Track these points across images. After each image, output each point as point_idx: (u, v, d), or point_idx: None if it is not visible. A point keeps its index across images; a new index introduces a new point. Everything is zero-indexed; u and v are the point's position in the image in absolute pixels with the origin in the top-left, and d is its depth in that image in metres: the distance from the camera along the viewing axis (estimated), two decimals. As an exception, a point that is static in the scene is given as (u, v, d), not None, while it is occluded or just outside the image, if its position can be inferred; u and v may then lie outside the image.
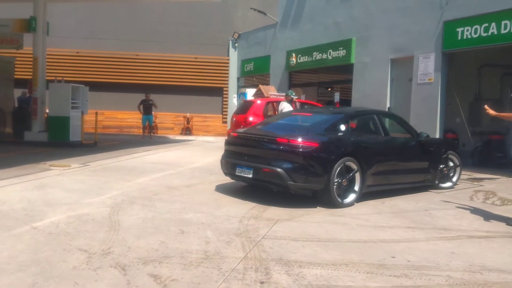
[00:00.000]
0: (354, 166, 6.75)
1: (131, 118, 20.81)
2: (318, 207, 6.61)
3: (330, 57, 15.37)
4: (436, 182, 8.36)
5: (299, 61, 16.88)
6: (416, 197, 7.74)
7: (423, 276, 4.06)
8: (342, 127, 7.15)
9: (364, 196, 7.05)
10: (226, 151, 7.51)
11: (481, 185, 9.10)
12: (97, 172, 9.08)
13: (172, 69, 21.30)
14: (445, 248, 4.92)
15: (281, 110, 11.39)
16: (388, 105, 13.30)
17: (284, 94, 12.33)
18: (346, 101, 15.29)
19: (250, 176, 6.75)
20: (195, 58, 21.41)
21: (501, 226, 5.95)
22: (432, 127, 11.73)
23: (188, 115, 21.24)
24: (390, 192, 7.65)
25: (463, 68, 12.86)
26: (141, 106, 18.62)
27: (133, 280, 3.74)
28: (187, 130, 21.21)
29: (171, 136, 20.19)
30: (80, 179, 8.17)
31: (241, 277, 3.87)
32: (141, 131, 19.12)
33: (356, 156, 6.78)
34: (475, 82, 13.47)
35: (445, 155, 8.51)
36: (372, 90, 13.63)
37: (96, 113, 15.38)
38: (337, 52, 15.03)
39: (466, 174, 10.50)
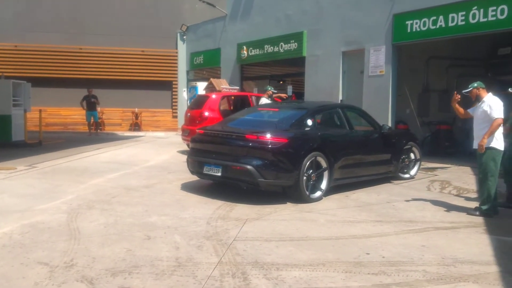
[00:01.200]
0: (322, 160, 6.76)
1: (76, 115, 19.88)
2: (287, 203, 6.52)
3: (281, 50, 15.29)
4: (401, 172, 8.55)
5: (250, 54, 16.71)
6: (377, 189, 7.83)
7: (400, 272, 4.04)
8: (309, 122, 7.12)
9: (328, 190, 7.02)
10: (193, 149, 7.31)
11: (436, 175, 9.36)
12: (47, 174, 8.53)
13: (118, 63, 20.52)
14: (415, 241, 4.95)
15: None
16: (340, 97, 13.40)
17: (265, 89, 12.12)
18: (299, 94, 15.29)
19: (219, 174, 6.59)
20: (142, 51, 20.74)
21: (462, 216, 6.09)
22: (384, 119, 11.90)
23: (136, 110, 20.57)
24: (351, 185, 7.68)
25: (412, 60, 13.16)
26: (84, 102, 17.89)
27: (104, 295, 3.46)
28: (136, 126, 20.57)
29: (120, 133, 19.50)
30: (30, 183, 7.64)
31: (218, 285, 3.68)
32: (87, 128, 18.35)
33: (324, 151, 6.79)
34: (423, 74, 13.84)
35: (407, 147, 8.66)
36: (325, 83, 13.69)
37: (40, 111, 14.53)
38: (289, 45, 14.98)
39: (418, 164, 10.79)
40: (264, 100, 11.35)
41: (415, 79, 13.60)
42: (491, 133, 5.95)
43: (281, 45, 15.26)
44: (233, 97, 13.44)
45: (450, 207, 6.57)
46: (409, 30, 11.49)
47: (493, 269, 4.20)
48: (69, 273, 3.84)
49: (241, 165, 6.32)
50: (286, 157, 6.37)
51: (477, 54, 12.96)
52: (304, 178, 6.48)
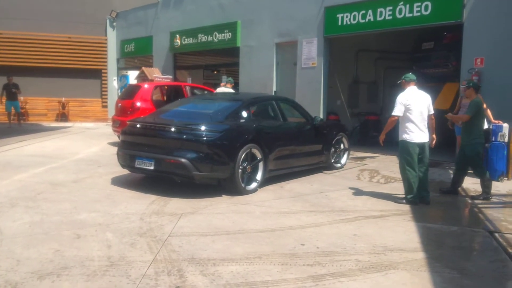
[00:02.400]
0: (257, 152, 6.80)
1: (-4, 104, 18.61)
2: (222, 195, 6.49)
3: (216, 40, 15.14)
4: (332, 162, 8.79)
5: (183, 42, 16.39)
6: (310, 179, 7.98)
7: (334, 262, 4.14)
8: (244, 114, 7.14)
9: (263, 181, 7.06)
10: (123, 142, 7.05)
11: (365, 164, 9.70)
12: (-37, 170, 7.92)
13: (43, 49, 19.37)
14: (348, 230, 5.09)
15: None
16: (274, 88, 13.52)
17: (225, 82, 11.88)
18: (234, 83, 15.23)
19: (152, 168, 6.43)
20: (69, 37, 19.73)
21: (391, 204, 6.35)
22: (316, 110, 12.16)
23: (63, 99, 19.58)
24: (285, 176, 7.77)
25: (343, 52, 13.49)
26: (4, 92, 16.74)
27: (30, 300, 3.25)
28: (63, 116, 19.59)
29: (45, 124, 18.50)
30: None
31: (153, 284, 3.58)
32: (7, 118, 17.15)
33: (259, 142, 6.83)
34: (353, 66, 14.26)
35: (337, 138, 8.90)
36: (259, 74, 13.73)
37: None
38: (223, 34, 14.86)
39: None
40: (223, 89, 11.33)
41: (346, 71, 13.99)
42: (386, 129, 6.62)
43: (215, 35, 15.10)
44: (166, 87, 13.16)
45: (379, 196, 6.82)
46: (340, 23, 11.75)
47: (420, 255, 4.41)
48: (-10, 278, 3.57)
49: (175, 158, 6.22)
50: (221, 149, 6.35)
51: (404, 48, 13.53)
52: (240, 170, 6.49)
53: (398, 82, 6.74)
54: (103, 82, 20.53)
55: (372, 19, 11.15)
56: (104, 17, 20.03)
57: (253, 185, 6.79)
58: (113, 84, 20.00)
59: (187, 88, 12.50)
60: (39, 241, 4.43)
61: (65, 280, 3.58)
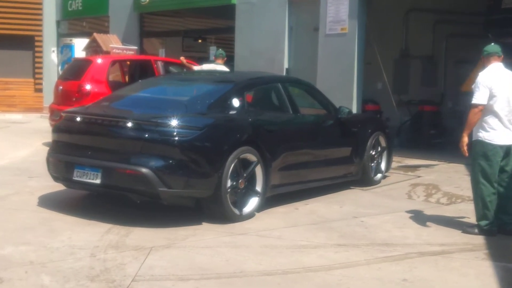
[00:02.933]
0: (254, 159, 6.69)
1: None
2: (204, 223, 6.46)
3: (201, -6, 15.20)
4: (371, 175, 8.77)
5: (154, -2, 16.45)
6: (338, 197, 8.01)
7: (375, 320, 4.13)
8: (235, 102, 7.06)
9: (269, 200, 7.04)
10: (56, 142, 7.00)
11: (418, 176, 9.72)
12: None
13: None
14: (394, 273, 5.09)
15: None
16: (286, 65, 13.54)
17: (214, 56, 11.89)
18: (227, 57, 15.28)
19: (98, 181, 6.28)
20: (-13, -10, 19.86)
21: (456, 235, 6.34)
22: (347, 96, 12.16)
23: (-24, 80, 19.74)
24: (301, 192, 7.77)
25: (386, 13, 13.49)
26: None
27: None
28: (-22, 104, 19.74)
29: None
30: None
31: None
32: None
33: (257, 145, 6.75)
34: (402, 34, 14.26)
35: (374, 138, 8.83)
36: (263, 44, 13.74)
37: None
38: (212, -14, 14.92)
39: (395, 160, 11.11)
40: (214, 67, 11.39)
41: (391, 40, 13.99)
42: (468, 126, 6.31)
43: (200, -14, 15.15)
44: (128, 63, 13.20)
45: (439, 222, 6.81)
46: (382, -31, 11.79)
47: (500, 310, 4.40)
48: None
49: (133, 167, 6.07)
50: (201, 154, 6.27)
51: (474, 7, 13.52)
52: (229, 185, 6.36)
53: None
54: (37, 55, 20.65)
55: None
56: (38, -40, 20.14)
57: (250, 206, 6.70)
58: (52, 57, 20.09)
59: (159, 63, 12.54)
60: None
61: None
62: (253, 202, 6.73)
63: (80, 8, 19.46)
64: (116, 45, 14.70)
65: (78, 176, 6.43)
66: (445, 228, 6.61)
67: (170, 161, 6.11)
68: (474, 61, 12.49)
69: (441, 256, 5.62)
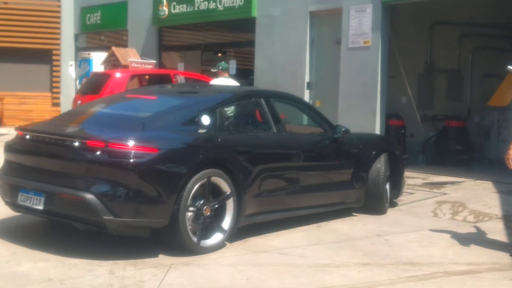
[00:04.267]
0: (223, 183, 6.14)
1: None
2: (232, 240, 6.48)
3: (220, 7, 15.29)
4: (385, 204, 8.12)
5: (173, 11, 16.57)
6: (361, 215, 7.96)
7: None
8: (205, 120, 6.50)
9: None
10: (6, 162, 6.49)
11: (444, 193, 9.66)
12: None
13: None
14: (420, 293, 5.07)
15: None
16: (307, 78, 13.57)
17: (220, 70, 11.86)
18: (247, 71, 15.34)
19: (41, 207, 5.82)
20: (5, 3, 20.21)
21: (484, 254, 6.29)
22: (370, 111, 12.17)
23: (-5, 94, 20.00)
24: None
25: (410, 26, 13.49)
26: None
27: None
28: (-5, 119, 20.00)
29: (-32, 129, 18.83)
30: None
31: None
32: None
33: (227, 167, 6.19)
34: (426, 47, 14.23)
35: (379, 160, 8.05)
36: (284, 57, 13.80)
37: None
38: (232, 0, 14.99)
39: (420, 177, 11.11)
40: (222, 81, 11.22)
41: (415, 53, 13.97)
42: None
43: (220, 0, 15.25)
44: (147, 77, 13.31)
45: (466, 241, 6.75)
46: (407, -17, 11.82)
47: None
48: None
49: (75, 192, 5.60)
50: (154, 179, 5.70)
51: (502, 18, 13.45)
52: (189, 213, 5.86)
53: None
54: (54, 69, 20.86)
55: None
56: (57, -27, 20.42)
57: (216, 238, 6.10)
58: (69, 71, 20.27)
59: (179, 78, 12.62)
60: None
61: None
62: (216, 237, 6.11)
63: (98, 21, 19.66)
64: (135, 59, 14.83)
65: (22, 200, 6.01)
66: (472, 247, 6.55)
67: (118, 186, 5.59)
68: (501, 75, 12.51)
69: (468, 276, 5.58)
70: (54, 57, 20.84)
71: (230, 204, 6.20)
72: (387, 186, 8.18)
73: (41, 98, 20.84)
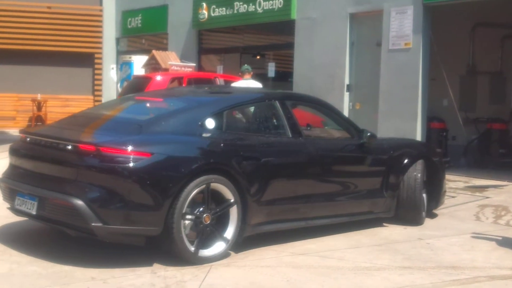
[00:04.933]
0: (226, 190, 5.81)
1: None
2: (263, 243, 6.47)
3: (260, 10, 15.34)
4: (422, 214, 7.56)
5: (213, 14, 16.68)
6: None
7: None
8: (209, 123, 6.12)
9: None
10: (10, 166, 6.44)
11: (487, 197, 9.53)
12: None
13: (11, 24, 20.19)
14: (462, 298, 5.01)
15: None
16: (347, 81, 13.55)
17: (241, 72, 11.99)
18: (286, 74, 15.34)
19: (34, 212, 5.70)
20: (49, 8, 20.52)
21: (528, 259, 6.20)
22: (411, 113, 12.09)
23: (39, 97, 20.28)
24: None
25: (452, 28, 13.35)
26: None
27: None
28: (39, 121, 20.27)
29: (12, 131, 19.14)
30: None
31: None
32: None
33: (230, 174, 5.86)
34: (468, 49, 14.07)
35: (414, 168, 7.52)
36: (323, 59, 13.78)
37: None
38: (271, 2, 15.04)
39: (461, 180, 10.98)
40: (243, 83, 11.34)
41: (456, 55, 13.83)
42: None
43: (259, 3, 15.30)
44: (188, 80, 13.40)
45: (509, 245, 6.65)
46: (448, -17, 11.70)
47: None
48: None
49: (65, 197, 5.42)
50: (146, 185, 5.42)
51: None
52: (186, 221, 5.59)
53: None
54: (96, 72, 21.14)
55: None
56: (99, -22, 20.71)
57: (217, 247, 5.79)
58: (111, 74, 20.54)
59: (219, 81, 12.69)
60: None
61: None
62: (218, 247, 5.81)
63: (139, 25, 19.89)
64: (175, 62, 14.94)
65: (18, 204, 5.91)
66: (517, 250, 6.49)
67: (108, 192, 5.40)
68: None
69: (512, 281, 5.52)
70: (96, 61, 21.14)
71: (233, 212, 5.86)
72: (424, 195, 7.66)
73: (83, 101, 21.10)
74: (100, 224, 5.25)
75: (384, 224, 7.57)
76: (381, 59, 12.74)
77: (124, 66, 17.91)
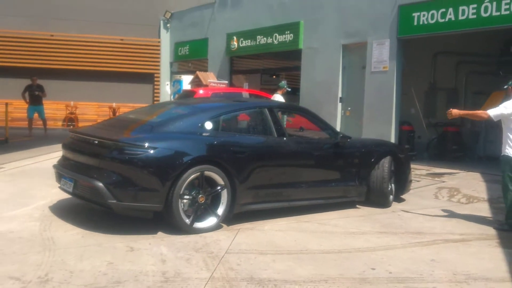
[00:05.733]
0: (217, 177, 5.62)
1: (46, 109, 19.71)
2: (272, 215, 6.46)
3: (276, 42, 15.31)
4: (388, 199, 7.19)
5: (241, 45, 16.69)
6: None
7: (409, 290, 4.07)
8: (208, 125, 5.94)
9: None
10: (62, 156, 6.42)
11: (443, 181, 9.44)
12: (16, 176, 8.45)
13: (95, 52, 20.35)
14: (424, 255, 4.99)
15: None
16: (340, 94, 13.47)
17: (279, 86, 11.88)
18: (295, 89, 15.33)
19: (71, 190, 5.75)
20: (121, 40, 20.63)
21: (473, 227, 6.16)
22: (387, 119, 12.01)
23: (114, 105, 20.45)
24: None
25: (418, 55, 13.25)
26: (26, 94, 15.74)
27: (84, 314, 3.43)
28: (113, 122, 20.47)
29: (95, 130, 19.35)
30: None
31: (211, 303, 3.67)
32: (28, 124, 16.18)
33: (220, 164, 5.65)
34: (430, 71, 13.97)
35: (382, 162, 7.13)
36: (323, 78, 13.74)
37: (6, 104, 14.38)
38: (284, 36, 15.00)
39: (424, 169, 10.91)
40: (278, 98, 11.02)
41: (422, 76, 13.74)
42: (468, 115, 6.69)
43: (275, 36, 15.27)
44: (222, 93, 13.41)
45: (459, 217, 6.63)
46: (415, 23, 11.58)
47: (509, 286, 4.25)
48: (44, 289, 3.80)
49: (89, 180, 5.41)
50: (150, 172, 5.31)
51: (489, 50, 13.10)
52: (185, 200, 5.45)
53: (505, 87, 6.45)
54: (156, 87, 21.24)
55: (453, 18, 10.90)
56: (158, 17, 20.76)
57: (210, 221, 5.60)
58: (166, 89, 20.64)
59: (246, 95, 12.70)
60: (92, 253, 4.66)
61: (119, 295, 3.75)
62: (211, 221, 5.62)
63: (187, 53, 19.95)
64: (213, 80, 14.93)
65: (62, 184, 5.95)
66: (465, 221, 6.44)
67: (119, 176, 5.30)
68: (488, 92, 12.19)
69: (462, 243, 5.49)
70: (155, 79, 21.22)
71: (224, 194, 5.67)
72: (392, 185, 7.33)
73: (145, 108, 21.23)
74: (115, 201, 5.23)
75: (357, 206, 7.14)
76: (365, 78, 12.65)
77: (175, 83, 17.95)
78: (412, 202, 7.53)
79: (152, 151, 5.34)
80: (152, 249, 4.83)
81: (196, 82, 14.71)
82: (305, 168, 6.59)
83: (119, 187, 5.26)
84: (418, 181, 9.26)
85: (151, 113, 6.81)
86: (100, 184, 5.24)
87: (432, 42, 12.97)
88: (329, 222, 6.20)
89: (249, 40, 16.32)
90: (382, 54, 12.27)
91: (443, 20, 11.07)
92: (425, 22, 11.39)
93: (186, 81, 16.35)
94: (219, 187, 5.64)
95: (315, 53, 14.04)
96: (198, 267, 4.39)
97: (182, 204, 5.41)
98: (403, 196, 7.70)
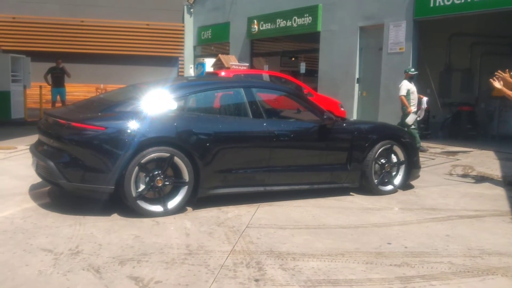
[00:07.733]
0: (178, 161, 5.07)
1: (78, 92, 19.83)
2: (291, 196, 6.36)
3: (295, 25, 15.08)
4: (372, 182, 6.23)
5: (261, 28, 16.50)
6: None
7: (424, 264, 3.98)
8: (172, 105, 5.34)
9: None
10: (37, 138, 5.94)
11: (457, 159, 9.25)
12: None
13: (122, 37, 20.32)
14: (439, 230, 4.88)
15: (407, 91, 9.88)
16: (357, 75, 13.26)
17: (405, 70, 10.38)
18: (313, 71, 15.11)
19: (35, 170, 5.53)
20: (147, 25, 20.54)
21: (487, 204, 6.00)
22: (403, 99, 11.77)
23: (141, 87, 20.52)
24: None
25: (434, 37, 12.90)
26: (49, 76, 15.02)
27: (112, 284, 3.43)
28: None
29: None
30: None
31: (232, 275, 3.64)
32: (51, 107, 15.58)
33: (181, 146, 5.10)
34: (446, 52, 13.61)
35: (381, 147, 6.26)
36: (340, 60, 13.52)
37: (41, 87, 14.49)
38: (303, 19, 14.76)
39: (439, 147, 10.71)
40: (406, 85, 9.97)
41: (437, 57, 13.38)
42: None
43: (294, 19, 15.04)
44: (243, 75, 13.29)
45: (473, 194, 6.47)
46: (432, 5, 11.28)
47: (523, 262, 4.13)
48: (75, 261, 3.81)
49: (44, 159, 5.13)
50: (98, 151, 4.91)
51: (504, 31, 12.68)
52: (140, 184, 4.98)
53: None
54: (180, 69, 21.19)
55: (468, 0, 10.54)
56: (182, 3, 20.61)
57: (178, 198, 5.13)
58: (190, 71, 20.59)
59: (266, 76, 12.56)
60: (119, 226, 4.67)
61: (145, 267, 3.74)
62: (181, 193, 5.14)
63: (209, 37, 19.83)
64: (234, 62, 14.82)
65: (33, 165, 5.58)
66: (478, 198, 6.28)
67: (69, 157, 4.97)
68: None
69: (476, 219, 5.34)
70: (180, 62, 21.19)
71: (185, 177, 5.12)
72: (396, 171, 6.45)
73: (170, 90, 21.22)
74: (65, 181, 4.93)
75: (351, 193, 6.26)
76: (382, 60, 12.43)
77: (199, 65, 17.84)
78: (428, 179, 7.37)
79: (102, 131, 4.93)
80: (177, 223, 4.81)
81: (219, 65, 14.61)
82: (282, 151, 5.80)
83: (69, 167, 4.95)
84: (432, 159, 9.10)
85: (122, 93, 6.30)
86: (51, 164, 4.98)
87: (448, 24, 12.60)
88: (346, 198, 6.10)
89: (269, 24, 16.11)
90: (398, 36, 12.00)
91: (459, 2, 10.76)
92: (441, 4, 11.08)
93: (209, 64, 16.27)
94: (179, 169, 5.12)
95: (333, 36, 13.80)
96: (220, 241, 4.36)
97: (135, 187, 4.93)
98: (419, 173, 6.99)
